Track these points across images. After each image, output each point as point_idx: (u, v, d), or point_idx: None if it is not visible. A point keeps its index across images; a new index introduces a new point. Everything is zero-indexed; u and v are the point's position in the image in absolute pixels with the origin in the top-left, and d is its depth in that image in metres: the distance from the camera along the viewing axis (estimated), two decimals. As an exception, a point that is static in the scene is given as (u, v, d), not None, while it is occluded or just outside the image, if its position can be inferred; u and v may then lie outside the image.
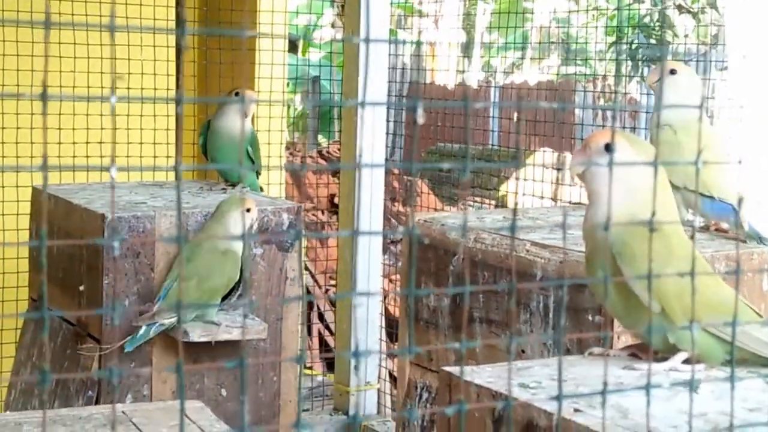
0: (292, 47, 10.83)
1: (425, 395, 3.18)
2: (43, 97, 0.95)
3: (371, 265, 4.70)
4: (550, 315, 2.77)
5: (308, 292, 7.03)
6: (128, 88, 4.55)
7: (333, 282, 7.29)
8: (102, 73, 4.48)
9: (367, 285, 4.77)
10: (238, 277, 3.42)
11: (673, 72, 2.94)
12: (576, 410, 1.72)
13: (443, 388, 1.97)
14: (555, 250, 2.80)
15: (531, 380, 1.87)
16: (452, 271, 3.09)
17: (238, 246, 3.38)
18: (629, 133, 2.22)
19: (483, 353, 2.90)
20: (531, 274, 2.83)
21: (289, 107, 11.07)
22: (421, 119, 0.99)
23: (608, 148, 1.97)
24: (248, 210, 3.40)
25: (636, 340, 2.24)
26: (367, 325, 4.70)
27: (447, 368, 1.94)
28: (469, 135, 3.05)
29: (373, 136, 4.66)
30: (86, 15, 4.33)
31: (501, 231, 3.01)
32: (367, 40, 1.00)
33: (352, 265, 4.67)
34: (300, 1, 10.69)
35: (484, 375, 1.89)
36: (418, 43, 10.84)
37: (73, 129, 4.47)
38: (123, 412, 1.73)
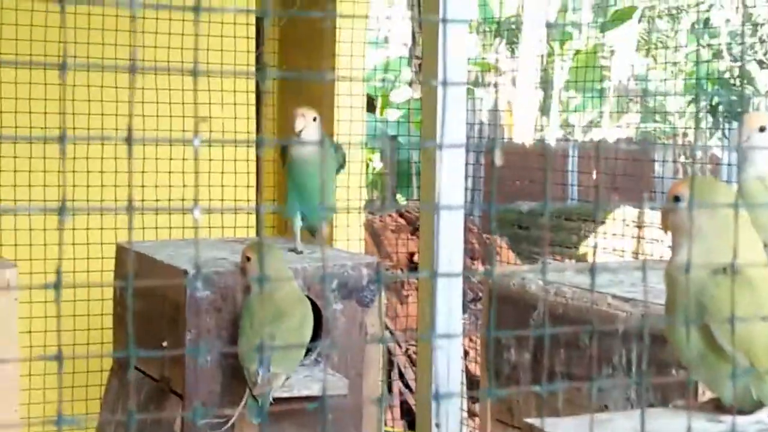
0: (370, 106, 10.91)
1: (507, 451, 3.15)
2: (128, 141, 0.98)
3: (451, 317, 4.68)
4: (633, 369, 2.74)
5: (388, 351, 7.03)
6: (210, 131, 4.62)
7: (413, 341, 7.27)
8: (184, 117, 4.54)
9: (447, 339, 4.75)
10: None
11: (762, 129, 2.90)
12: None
13: (525, 439, 1.96)
14: (636, 304, 2.77)
15: (614, 432, 1.85)
16: (533, 326, 3.07)
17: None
18: (710, 179, 2.19)
19: (565, 410, 2.87)
20: (613, 328, 2.80)
21: (367, 166, 11.15)
22: (499, 161, 1.00)
23: (676, 199, 1.97)
24: (248, 259, 3.36)
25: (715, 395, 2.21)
26: (448, 376, 4.66)
27: (528, 420, 1.92)
28: (548, 183, 3.06)
29: (451, 184, 4.64)
30: (168, 61, 4.42)
31: (581, 285, 2.99)
32: (444, 83, 1.01)
33: (431, 314, 4.65)
34: (378, 60, 10.81)
35: (565, 425, 1.88)
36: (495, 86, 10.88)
37: (156, 172, 4.56)
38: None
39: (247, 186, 4.84)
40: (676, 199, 1.96)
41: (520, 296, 3.13)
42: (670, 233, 2.01)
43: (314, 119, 3.70)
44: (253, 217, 4.77)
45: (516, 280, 3.17)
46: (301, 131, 3.66)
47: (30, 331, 4.09)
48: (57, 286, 1.00)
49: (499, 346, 3.18)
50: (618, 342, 2.79)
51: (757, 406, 1.92)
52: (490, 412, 3.20)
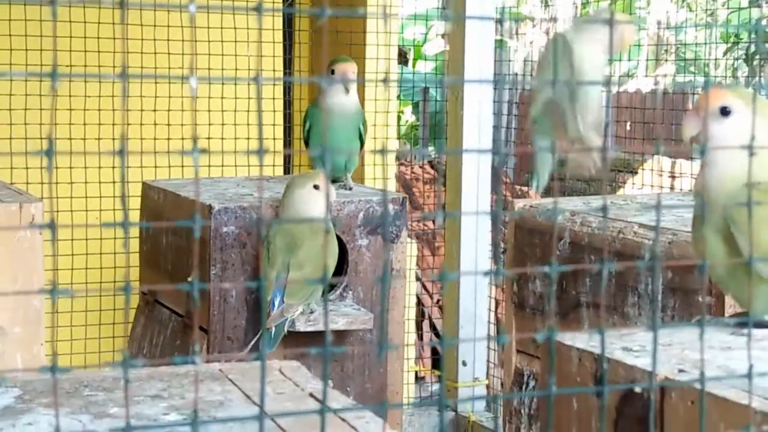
0: (402, 58, 10.85)
1: (532, 383, 3.13)
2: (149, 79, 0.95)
3: (478, 257, 4.67)
4: (659, 297, 2.70)
5: (418, 301, 7.01)
6: (236, 70, 4.59)
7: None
8: (210, 54, 4.50)
9: (473, 285, 4.74)
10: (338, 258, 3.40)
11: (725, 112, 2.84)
12: (681, 371, 1.67)
13: (544, 355, 1.94)
14: (664, 231, 2.73)
15: (635, 344, 1.82)
16: (558, 256, 3.03)
17: (323, 217, 3.31)
18: (746, 90, 2.12)
19: (591, 339, 2.84)
20: (639, 257, 2.77)
21: (399, 118, 11.09)
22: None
23: (724, 111, 1.91)
24: (316, 187, 3.30)
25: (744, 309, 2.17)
26: (475, 318, 4.66)
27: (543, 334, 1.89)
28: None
29: (479, 121, 4.62)
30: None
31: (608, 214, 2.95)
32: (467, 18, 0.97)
33: (457, 252, 4.63)
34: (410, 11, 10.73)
35: (585, 339, 1.85)
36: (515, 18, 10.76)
37: (182, 110, 4.55)
38: (220, 369, 1.73)
39: (273, 125, 4.81)
40: (724, 110, 1.91)
41: (546, 227, 3.10)
42: (696, 144, 1.97)
43: (353, 72, 3.72)
44: (279, 156, 4.74)
45: (541, 211, 3.13)
46: (349, 89, 3.68)
47: (56, 269, 4.09)
48: (51, 226, 0.98)
49: (524, 277, 3.15)
50: (644, 270, 2.75)
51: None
52: (515, 343, 3.18)
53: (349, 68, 3.69)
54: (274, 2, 4.95)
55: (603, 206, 1.14)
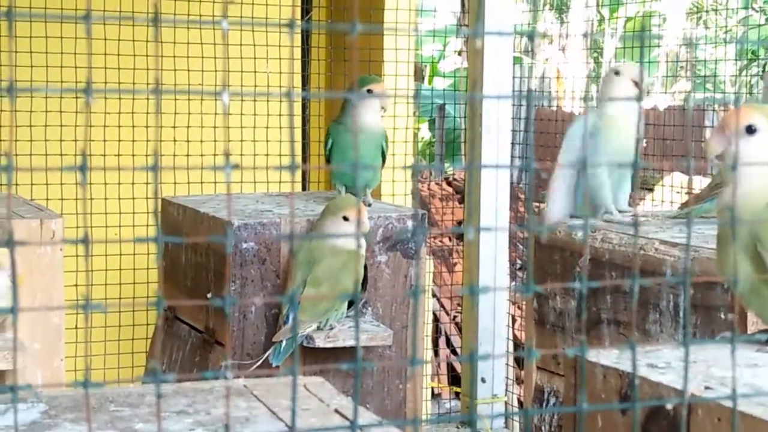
0: (418, 74, 10.86)
1: (552, 400, 3.12)
2: (164, 93, 0.95)
3: (497, 272, 4.66)
4: (681, 314, 2.70)
5: (435, 318, 7.00)
6: (255, 86, 4.60)
7: (460, 308, 7.25)
8: (228, 71, 4.51)
9: (493, 302, 4.74)
10: (362, 278, 3.41)
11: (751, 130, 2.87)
12: (707, 387, 1.66)
13: (569, 372, 1.93)
14: (684, 248, 2.73)
15: (660, 361, 1.81)
16: (579, 273, 3.03)
17: (355, 246, 3.33)
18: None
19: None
20: (661, 273, 2.76)
21: (415, 135, 11.10)
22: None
23: (750, 129, 1.91)
24: (345, 218, 3.33)
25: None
26: (494, 335, 4.65)
27: (571, 350, 1.89)
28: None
29: (498, 133, 4.62)
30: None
31: (628, 231, 2.95)
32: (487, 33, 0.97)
33: (476, 268, 4.62)
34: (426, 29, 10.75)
35: (610, 357, 1.84)
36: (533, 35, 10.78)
37: (201, 126, 4.56)
38: (244, 385, 1.73)
39: (292, 141, 4.81)
40: (750, 128, 1.90)
41: (566, 244, 3.10)
42: (718, 162, 1.96)
43: (368, 91, 3.74)
44: (298, 172, 4.75)
45: (562, 228, 3.13)
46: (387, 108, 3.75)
47: (76, 285, 4.10)
48: (85, 241, 0.98)
49: (545, 294, 3.15)
50: (665, 287, 2.75)
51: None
52: (535, 360, 3.17)
53: (384, 90, 3.80)
54: (291, 20, 4.97)
55: (634, 222, 1.14)
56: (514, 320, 6.41)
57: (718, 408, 1.58)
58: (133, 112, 4.53)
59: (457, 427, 4.74)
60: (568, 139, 3.26)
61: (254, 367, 3.32)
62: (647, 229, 3.00)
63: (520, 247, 8.43)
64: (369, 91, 3.74)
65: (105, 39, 4.43)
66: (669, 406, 1.68)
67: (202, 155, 4.56)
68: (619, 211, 3.19)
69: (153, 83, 4.51)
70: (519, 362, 5.27)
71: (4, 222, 3.09)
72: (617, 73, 3.23)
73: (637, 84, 3.18)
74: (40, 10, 4.20)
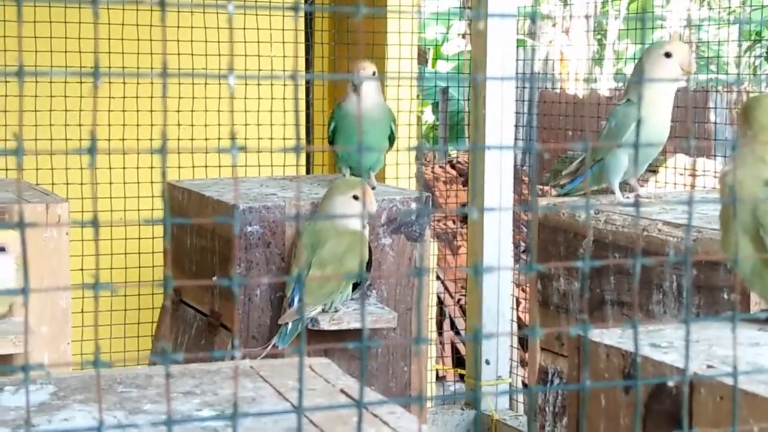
0: (422, 57, 10.85)
1: (556, 381, 3.14)
2: (171, 76, 0.96)
3: (501, 253, 4.67)
4: (684, 294, 2.71)
5: (439, 300, 7.01)
6: (259, 70, 4.61)
7: (464, 291, 7.26)
8: (232, 54, 4.52)
9: (497, 283, 4.75)
10: (368, 259, 3.42)
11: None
12: (709, 366, 1.68)
13: (572, 352, 1.94)
14: (688, 229, 2.74)
15: (662, 340, 1.83)
16: (582, 254, 3.04)
17: (359, 226, 3.34)
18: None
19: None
20: (664, 254, 2.77)
21: (419, 118, 11.10)
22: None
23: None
24: (356, 197, 3.32)
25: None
26: (498, 317, 4.66)
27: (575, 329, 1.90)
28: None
29: (501, 115, 4.63)
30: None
31: (632, 212, 2.96)
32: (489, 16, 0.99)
33: (480, 249, 4.63)
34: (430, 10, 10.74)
35: (614, 336, 1.86)
36: (536, 16, 10.75)
37: (205, 111, 4.57)
38: (251, 366, 1.75)
39: (296, 124, 4.82)
40: None
41: (569, 225, 3.11)
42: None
43: (373, 73, 3.71)
44: (301, 156, 4.76)
45: (565, 210, 3.14)
46: (359, 85, 3.67)
47: (82, 269, 4.12)
48: (94, 223, 1.00)
49: (549, 275, 3.16)
50: (668, 267, 2.76)
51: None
52: (539, 341, 3.18)
53: (359, 65, 3.75)
54: (296, 2, 4.98)
55: (635, 202, 1.15)
56: (518, 303, 6.43)
57: (720, 386, 1.60)
58: (137, 97, 4.54)
59: (462, 408, 4.76)
60: (616, 118, 3.27)
61: (263, 354, 3.32)
62: (651, 210, 3.01)
63: (524, 229, 8.44)
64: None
65: (109, 23, 4.44)
66: (671, 384, 1.69)
67: (206, 139, 4.57)
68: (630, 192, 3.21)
69: (157, 68, 4.51)
70: (523, 344, 5.29)
71: (8, 206, 3.11)
72: (668, 54, 3.09)
73: (684, 68, 3.12)
74: (45, -5, 4.22)
